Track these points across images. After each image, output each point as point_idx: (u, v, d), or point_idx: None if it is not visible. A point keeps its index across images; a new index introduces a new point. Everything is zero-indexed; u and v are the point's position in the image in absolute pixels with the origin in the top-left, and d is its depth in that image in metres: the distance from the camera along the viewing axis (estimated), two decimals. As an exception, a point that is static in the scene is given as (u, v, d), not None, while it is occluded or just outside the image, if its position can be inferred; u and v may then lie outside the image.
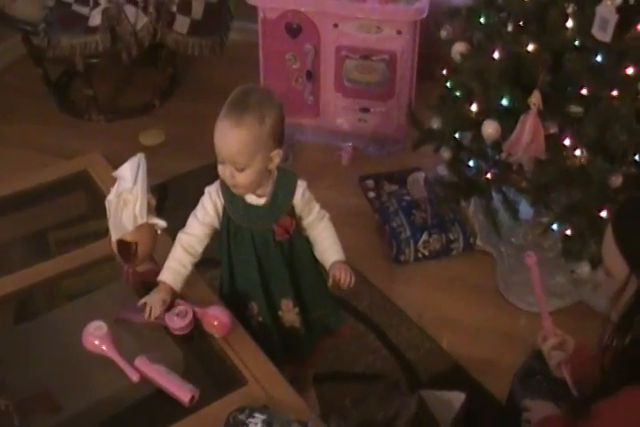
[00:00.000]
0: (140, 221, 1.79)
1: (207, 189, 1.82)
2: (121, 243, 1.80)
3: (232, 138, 1.64)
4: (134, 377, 1.58)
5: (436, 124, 2.64)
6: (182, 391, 1.56)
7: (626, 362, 1.34)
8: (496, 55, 2.37)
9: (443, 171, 2.78)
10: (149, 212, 1.81)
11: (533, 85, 2.22)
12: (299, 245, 1.86)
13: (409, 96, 3.26)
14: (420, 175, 3.02)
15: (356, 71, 3.19)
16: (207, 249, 2.75)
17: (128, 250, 1.81)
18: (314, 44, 3.18)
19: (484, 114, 2.39)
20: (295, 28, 3.17)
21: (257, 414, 1.48)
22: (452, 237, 2.81)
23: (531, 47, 2.26)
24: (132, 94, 3.76)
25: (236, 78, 3.69)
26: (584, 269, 2.27)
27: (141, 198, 1.78)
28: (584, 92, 2.19)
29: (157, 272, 1.89)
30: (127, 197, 1.79)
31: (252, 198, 1.76)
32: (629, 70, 2.07)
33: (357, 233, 2.91)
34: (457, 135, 2.59)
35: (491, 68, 2.36)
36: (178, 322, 1.72)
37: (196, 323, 1.73)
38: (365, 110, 3.27)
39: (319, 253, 1.89)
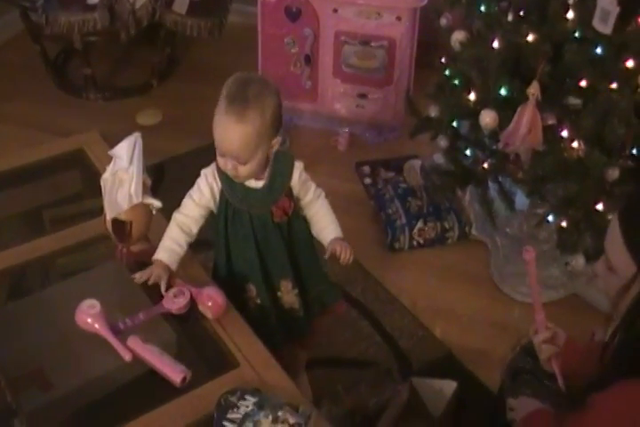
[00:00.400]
0: (136, 200, 1.78)
1: (203, 172, 1.81)
2: (115, 222, 1.80)
3: (235, 134, 1.63)
4: (126, 356, 1.58)
5: (433, 112, 2.62)
6: (174, 372, 1.56)
7: (626, 357, 1.34)
8: (496, 45, 2.35)
9: (439, 159, 2.77)
10: (145, 191, 1.81)
11: (532, 76, 2.21)
12: (297, 225, 1.87)
13: (407, 83, 3.26)
14: (417, 163, 3.02)
15: (355, 57, 3.19)
16: (201, 231, 2.75)
17: (122, 229, 1.81)
18: (313, 29, 3.17)
19: (482, 103, 2.38)
20: (295, 11, 3.16)
21: (248, 397, 1.48)
22: (447, 225, 2.82)
23: (531, 37, 2.25)
24: (130, 74, 3.74)
25: (234, 61, 3.73)
26: (579, 261, 2.27)
27: (137, 178, 1.78)
28: (583, 84, 2.17)
29: (152, 252, 1.89)
30: (123, 177, 1.78)
31: (250, 182, 1.76)
32: (629, 63, 2.05)
33: (352, 219, 2.90)
34: (454, 124, 2.58)
35: (490, 57, 2.35)
36: (177, 302, 1.72)
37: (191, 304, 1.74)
38: (363, 96, 3.27)
39: (317, 232, 1.90)
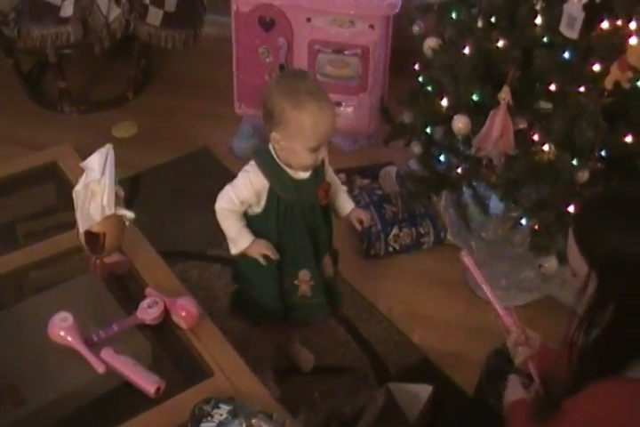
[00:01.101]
0: (108, 212, 1.78)
1: (246, 174, 1.86)
2: (88, 234, 1.80)
3: (331, 120, 1.76)
4: (100, 369, 1.58)
5: (407, 118, 2.65)
6: (148, 383, 1.56)
7: (591, 359, 1.34)
8: (467, 51, 2.39)
9: (414, 165, 2.79)
10: (117, 203, 1.81)
11: (503, 81, 2.24)
12: (328, 204, 1.99)
13: (381, 91, 3.26)
14: (392, 170, 3.03)
15: (329, 65, 3.19)
16: (175, 242, 2.75)
17: (96, 241, 1.81)
18: (287, 38, 3.17)
19: (454, 109, 2.41)
20: (268, 21, 3.16)
21: (222, 405, 1.48)
22: (422, 231, 2.83)
23: (501, 43, 2.29)
24: (106, 87, 3.72)
25: (209, 72, 3.73)
26: (552, 263, 2.29)
27: (109, 189, 1.78)
28: (553, 88, 2.21)
29: (125, 264, 1.90)
30: (95, 188, 1.78)
31: (299, 174, 1.85)
32: (596, 67, 2.08)
33: (329, 227, 2.93)
34: (428, 130, 2.60)
35: (461, 63, 2.38)
36: (151, 312, 1.72)
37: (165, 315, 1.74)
38: (338, 105, 3.26)
39: (339, 204, 2.05)
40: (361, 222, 2.03)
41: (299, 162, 1.81)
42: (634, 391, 1.29)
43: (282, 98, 1.73)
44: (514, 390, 1.63)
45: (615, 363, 1.32)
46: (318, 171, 1.89)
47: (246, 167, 1.87)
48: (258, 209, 1.89)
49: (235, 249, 1.91)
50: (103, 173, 1.79)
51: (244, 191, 1.85)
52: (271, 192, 1.84)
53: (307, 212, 1.90)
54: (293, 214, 1.88)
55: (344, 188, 2.09)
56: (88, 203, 1.79)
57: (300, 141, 1.75)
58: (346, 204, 2.06)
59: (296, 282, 2.00)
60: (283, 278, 1.98)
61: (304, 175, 1.85)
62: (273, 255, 1.87)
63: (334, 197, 2.03)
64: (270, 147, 1.84)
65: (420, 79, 2.62)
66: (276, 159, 1.83)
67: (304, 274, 1.99)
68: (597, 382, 1.31)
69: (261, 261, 1.89)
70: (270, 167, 1.83)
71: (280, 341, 2.30)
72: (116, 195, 1.81)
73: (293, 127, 1.74)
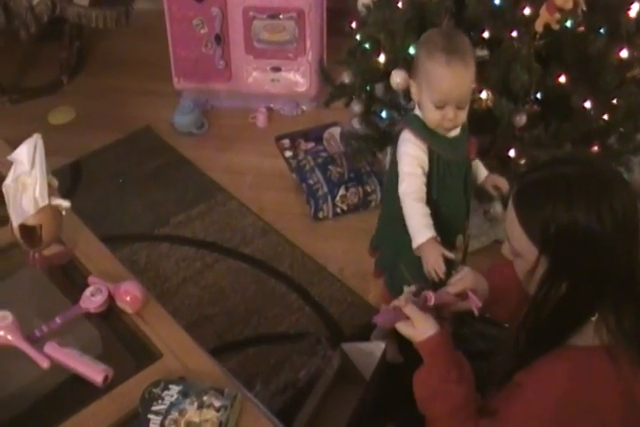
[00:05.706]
0: (42, 203, 1.72)
1: (407, 142, 1.84)
2: (23, 228, 1.74)
3: (464, 80, 1.74)
4: (44, 364, 1.54)
5: (347, 78, 2.61)
6: (95, 372, 1.52)
7: (541, 337, 1.32)
8: (400, 5, 2.36)
9: (357, 124, 2.75)
10: (51, 193, 1.75)
11: (438, 32, 2.21)
12: None
13: (320, 53, 3.23)
14: (336, 130, 3.00)
15: (265, 31, 3.14)
16: (123, 225, 2.67)
17: (32, 235, 1.75)
18: (220, 7, 3.12)
19: (392, 64, 2.38)
20: (200, -9, 3.09)
21: (172, 386, 1.45)
22: (369, 189, 2.81)
23: (434, -6, 2.25)
24: (39, 73, 3.61)
25: (145, 48, 3.65)
26: (496, 208, 2.32)
27: (41, 180, 1.72)
28: (486, 35, 2.20)
29: (66, 254, 1.85)
30: (26, 181, 1.72)
31: (452, 132, 1.85)
32: (526, 11, 2.10)
33: (276, 194, 2.91)
34: (368, 88, 2.57)
35: (395, 18, 2.36)
36: (94, 301, 1.68)
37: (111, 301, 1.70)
38: (277, 70, 3.23)
39: (474, 171, 1.99)
40: (498, 189, 1.95)
41: (427, 118, 1.80)
42: (582, 358, 1.27)
43: (422, 46, 1.80)
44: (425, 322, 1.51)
45: (562, 336, 1.30)
46: (463, 127, 1.87)
47: (402, 137, 1.86)
48: None
49: (414, 243, 1.81)
50: (33, 164, 1.73)
51: (414, 154, 1.83)
52: (430, 153, 1.84)
53: (462, 170, 1.90)
54: (451, 174, 1.88)
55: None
56: (20, 196, 1.73)
57: (425, 93, 1.77)
58: (481, 169, 2.01)
59: (453, 251, 1.90)
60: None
61: (456, 132, 1.85)
62: (448, 255, 1.78)
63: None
64: (417, 112, 1.85)
65: (357, 37, 2.59)
66: (425, 122, 1.83)
67: (459, 240, 1.97)
68: (547, 355, 1.29)
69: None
70: (423, 129, 1.83)
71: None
72: (49, 185, 1.75)
73: (421, 76, 1.77)
